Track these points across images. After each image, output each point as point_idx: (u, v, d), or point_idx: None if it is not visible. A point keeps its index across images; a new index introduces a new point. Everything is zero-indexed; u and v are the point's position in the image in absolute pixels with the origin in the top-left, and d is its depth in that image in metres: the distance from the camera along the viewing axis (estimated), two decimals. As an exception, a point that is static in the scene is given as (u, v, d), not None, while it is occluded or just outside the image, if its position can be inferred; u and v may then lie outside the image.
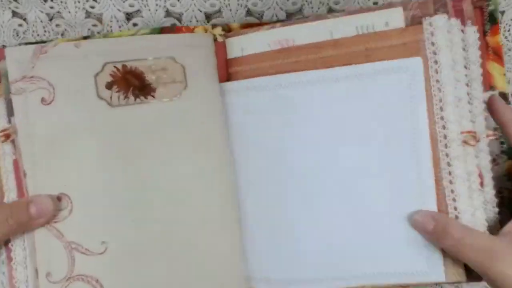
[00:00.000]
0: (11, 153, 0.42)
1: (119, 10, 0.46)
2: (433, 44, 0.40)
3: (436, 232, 0.39)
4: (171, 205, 0.43)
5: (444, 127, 0.40)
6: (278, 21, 0.47)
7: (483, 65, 0.41)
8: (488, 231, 0.40)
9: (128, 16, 0.46)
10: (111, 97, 0.42)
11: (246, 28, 0.49)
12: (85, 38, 0.43)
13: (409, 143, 0.41)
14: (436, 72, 0.40)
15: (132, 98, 0.42)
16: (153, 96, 0.42)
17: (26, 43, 0.43)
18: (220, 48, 0.47)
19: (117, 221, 0.42)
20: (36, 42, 0.43)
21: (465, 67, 0.40)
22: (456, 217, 0.40)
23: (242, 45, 0.46)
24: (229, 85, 0.46)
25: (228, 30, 0.48)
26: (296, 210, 0.44)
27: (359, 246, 0.42)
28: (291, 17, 0.49)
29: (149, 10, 0.46)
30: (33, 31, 0.46)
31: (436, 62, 0.40)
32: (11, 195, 0.42)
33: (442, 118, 0.40)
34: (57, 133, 0.41)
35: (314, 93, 0.43)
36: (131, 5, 0.45)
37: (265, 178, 0.45)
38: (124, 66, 0.42)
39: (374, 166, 0.42)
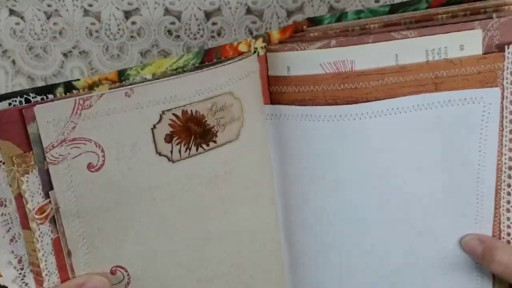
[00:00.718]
0: (49, 232, 0.33)
1: (117, 8, 0.41)
2: (512, 74, 0.38)
3: (484, 255, 0.39)
4: (234, 253, 0.39)
5: (510, 159, 0.40)
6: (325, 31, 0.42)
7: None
8: None
9: (127, 15, 0.42)
10: (171, 151, 0.34)
11: (287, 38, 0.43)
12: (121, 75, 0.34)
13: (475, 172, 0.40)
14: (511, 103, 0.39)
15: (194, 148, 0.35)
16: (214, 142, 0.36)
17: (56, 88, 0.32)
18: (261, 64, 0.41)
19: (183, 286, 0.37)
20: (67, 86, 0.32)
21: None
22: (509, 242, 0.41)
23: (288, 63, 0.40)
24: (277, 108, 0.41)
25: (268, 40, 0.41)
26: (349, 242, 0.42)
27: (412, 272, 0.43)
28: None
29: (148, 8, 0.42)
30: (30, 30, 0.42)
31: (513, 93, 0.39)
32: (52, 278, 0.34)
33: (510, 149, 0.40)
34: (109, 202, 0.33)
35: (377, 124, 0.40)
36: (130, 3, 0.42)
37: (319, 210, 0.42)
38: (184, 113, 0.34)
39: (436, 192, 0.41)
